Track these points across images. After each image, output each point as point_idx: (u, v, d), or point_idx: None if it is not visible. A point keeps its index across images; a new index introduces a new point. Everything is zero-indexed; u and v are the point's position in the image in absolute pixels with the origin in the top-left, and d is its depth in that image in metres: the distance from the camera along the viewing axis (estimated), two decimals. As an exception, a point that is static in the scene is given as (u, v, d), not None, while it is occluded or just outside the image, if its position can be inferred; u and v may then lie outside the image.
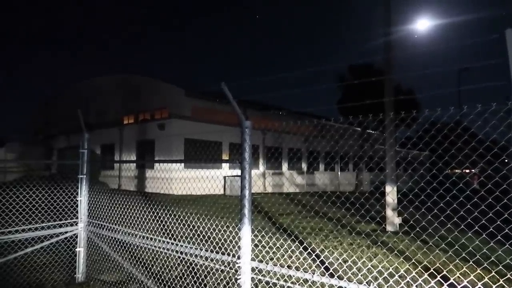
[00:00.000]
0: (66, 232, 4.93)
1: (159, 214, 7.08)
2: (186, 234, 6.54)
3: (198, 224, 6.72)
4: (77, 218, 4.99)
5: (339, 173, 31.58)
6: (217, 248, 5.94)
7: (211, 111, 23.91)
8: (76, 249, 4.94)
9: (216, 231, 6.73)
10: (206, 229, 6.74)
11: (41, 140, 32.11)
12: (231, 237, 6.30)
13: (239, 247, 3.15)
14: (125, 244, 4.64)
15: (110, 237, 4.66)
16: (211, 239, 6.60)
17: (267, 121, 24.98)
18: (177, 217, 7.72)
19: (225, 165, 21.89)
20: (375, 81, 26.86)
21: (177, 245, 3.81)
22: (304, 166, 28.28)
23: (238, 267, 3.13)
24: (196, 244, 3.87)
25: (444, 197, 3.13)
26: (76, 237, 4.97)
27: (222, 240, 6.36)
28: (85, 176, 5.04)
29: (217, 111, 24.09)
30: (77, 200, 5.00)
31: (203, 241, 6.35)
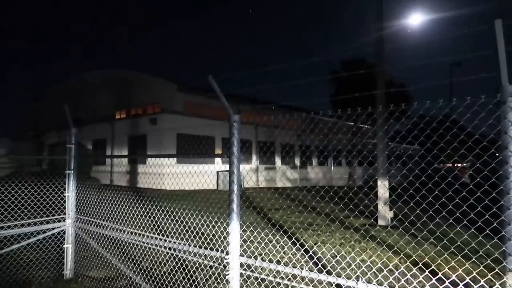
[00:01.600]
0: (53, 229, 4.85)
1: (149, 210, 7.02)
2: (175, 230, 6.50)
3: (187, 219, 6.67)
4: (65, 214, 4.92)
5: (331, 167, 31.67)
6: (205, 244, 5.91)
7: (204, 106, 23.78)
8: (64, 246, 4.87)
9: (205, 226, 6.69)
10: (195, 224, 6.70)
11: (32, 135, 31.77)
12: (219, 233, 6.26)
13: (227, 242, 3.11)
14: (114, 240, 4.58)
15: (99, 233, 4.60)
16: (200, 234, 6.56)
17: (260, 116, 24.92)
18: (165, 212, 7.66)
19: (218, 160, 21.83)
20: (368, 75, 26.94)
21: (165, 241, 3.76)
22: (297, 160, 28.31)
23: (227, 263, 3.10)
24: (185, 240, 3.83)
25: (433, 191, 3.12)
26: (64, 233, 4.90)
27: (211, 236, 6.32)
28: (72, 171, 4.96)
29: (210, 106, 23.97)
30: (63, 197, 4.92)
31: (192, 237, 6.31)
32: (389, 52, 10.35)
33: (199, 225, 6.63)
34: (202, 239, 6.21)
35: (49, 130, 29.71)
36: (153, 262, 5.10)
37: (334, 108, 29.38)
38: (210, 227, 6.45)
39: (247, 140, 24.06)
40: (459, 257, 4.41)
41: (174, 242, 3.68)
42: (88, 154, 21.83)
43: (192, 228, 6.05)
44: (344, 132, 28.46)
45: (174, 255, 3.77)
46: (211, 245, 5.43)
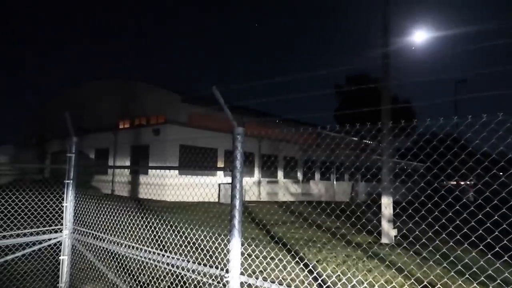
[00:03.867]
0: (49, 239, 4.73)
1: (149, 222, 6.89)
2: (174, 243, 6.35)
3: (187, 233, 6.53)
4: (62, 225, 4.80)
5: (334, 182, 31.44)
6: (205, 260, 5.75)
7: (207, 118, 23.76)
8: (59, 257, 4.74)
9: (205, 241, 6.54)
10: (195, 239, 6.55)
11: (35, 143, 31.79)
12: (219, 249, 6.11)
13: (228, 260, 2.99)
14: (111, 253, 4.45)
15: (96, 245, 4.47)
16: (200, 249, 6.41)
17: (263, 129, 24.86)
18: (165, 225, 7.52)
19: (220, 172, 21.69)
20: (372, 91, 26.94)
21: (163, 255, 3.63)
22: (299, 174, 28.12)
23: (227, 281, 2.97)
24: (183, 256, 3.69)
25: (438, 209, 3.03)
26: (60, 244, 4.77)
27: (211, 251, 6.17)
28: (71, 181, 4.85)
29: (213, 117, 23.94)
30: (63, 206, 4.81)
31: (192, 252, 6.16)
32: (395, 68, 10.30)
33: (200, 240, 6.49)
34: (202, 255, 6.05)
35: (52, 138, 29.75)
36: (151, 277, 4.95)
37: (338, 122, 29.33)
38: (211, 242, 6.30)
39: (250, 153, 23.95)
40: (467, 276, 4.24)
41: (173, 258, 3.55)
42: (89, 164, 21.75)
43: (192, 243, 5.92)
44: (348, 147, 28.33)
45: (172, 270, 3.63)
46: (210, 262, 5.28)
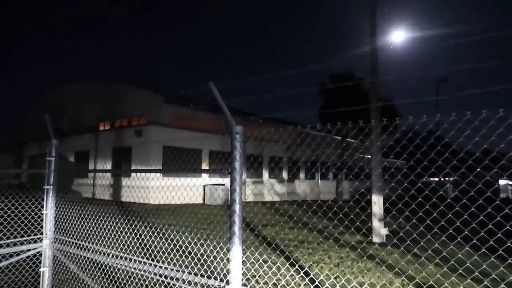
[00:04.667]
0: (28, 250, 4.36)
1: (135, 228, 6.55)
2: (163, 250, 6.04)
3: (177, 238, 6.22)
4: (42, 234, 4.44)
5: (319, 181, 31.43)
6: (202, 271, 5.47)
7: (191, 118, 23.36)
8: (40, 269, 4.38)
9: (196, 248, 6.25)
10: (186, 243, 6.25)
11: (11, 147, 30.70)
12: (212, 256, 5.84)
13: (228, 270, 2.73)
14: (96, 264, 4.13)
15: (80, 255, 4.14)
16: (191, 256, 6.11)
17: (247, 128, 24.60)
18: (152, 229, 7.18)
19: (205, 174, 21.34)
20: (356, 89, 26.99)
21: (155, 266, 3.34)
22: (284, 174, 27.98)
23: (227, 294, 2.71)
24: (177, 265, 3.41)
25: (423, 206, 3.01)
26: (40, 255, 4.41)
27: (204, 257, 5.90)
28: (51, 187, 4.50)
29: (197, 118, 23.56)
30: (42, 214, 4.45)
31: (183, 259, 5.86)
32: (381, 66, 10.20)
33: (191, 246, 6.19)
34: (198, 264, 5.75)
35: (30, 141, 28.79)
36: (140, 288, 4.64)
37: (322, 121, 29.30)
38: (204, 247, 6.02)
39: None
40: (461, 273, 4.10)
41: (166, 268, 3.27)
42: (70, 169, 21.05)
43: (182, 250, 5.62)
44: (333, 146, 28.32)
45: (166, 282, 3.35)
46: (208, 272, 5.00)
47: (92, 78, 30.23)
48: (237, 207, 2.83)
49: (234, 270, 2.74)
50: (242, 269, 2.80)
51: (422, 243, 4.01)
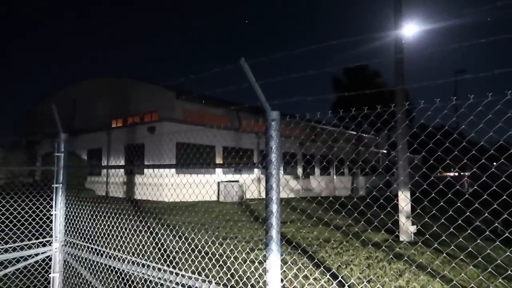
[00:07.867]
0: (36, 255, 4.00)
1: (153, 231, 6.15)
2: (186, 257, 5.63)
3: (198, 239, 5.79)
4: (51, 236, 4.07)
5: (334, 177, 30.85)
6: (232, 282, 5.04)
7: (203, 114, 23.02)
8: (49, 275, 4.02)
9: (224, 247, 5.82)
10: (209, 244, 5.82)
11: (25, 145, 30.79)
12: (239, 260, 5.40)
13: (265, 283, 2.30)
14: (111, 270, 3.74)
15: (93, 260, 3.75)
16: (215, 260, 5.70)
17: (261, 125, 24.16)
18: (170, 231, 6.79)
19: (219, 170, 20.98)
20: (371, 84, 26.33)
21: (177, 275, 2.93)
22: (299, 170, 27.48)
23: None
24: (203, 275, 2.99)
25: (453, 203, 2.72)
26: (50, 260, 4.04)
27: (241, 270, 5.47)
28: (61, 185, 4.12)
29: (209, 114, 23.21)
30: (51, 215, 4.08)
31: (210, 267, 5.45)
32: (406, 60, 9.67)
33: (214, 246, 5.78)
34: (221, 272, 5.33)
35: (43, 139, 28.80)
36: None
37: (337, 117, 28.69)
38: (232, 248, 5.59)
39: (249, 149, 23.20)
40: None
41: (190, 278, 2.85)
42: (81, 165, 20.89)
43: (205, 250, 5.20)
44: (349, 140, 27.75)
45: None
46: (240, 284, 4.58)
47: (104, 75, 29.98)
48: (274, 208, 2.38)
49: (272, 283, 2.30)
50: (282, 281, 2.37)
51: (454, 243, 3.55)
